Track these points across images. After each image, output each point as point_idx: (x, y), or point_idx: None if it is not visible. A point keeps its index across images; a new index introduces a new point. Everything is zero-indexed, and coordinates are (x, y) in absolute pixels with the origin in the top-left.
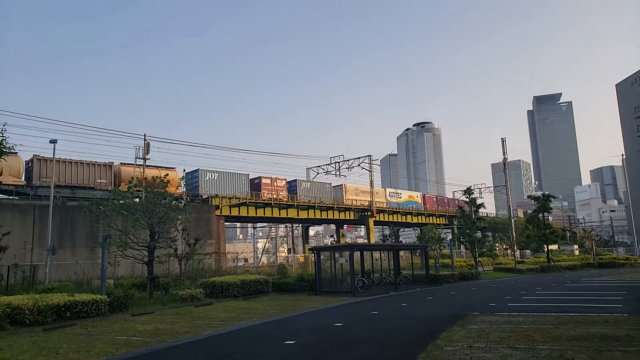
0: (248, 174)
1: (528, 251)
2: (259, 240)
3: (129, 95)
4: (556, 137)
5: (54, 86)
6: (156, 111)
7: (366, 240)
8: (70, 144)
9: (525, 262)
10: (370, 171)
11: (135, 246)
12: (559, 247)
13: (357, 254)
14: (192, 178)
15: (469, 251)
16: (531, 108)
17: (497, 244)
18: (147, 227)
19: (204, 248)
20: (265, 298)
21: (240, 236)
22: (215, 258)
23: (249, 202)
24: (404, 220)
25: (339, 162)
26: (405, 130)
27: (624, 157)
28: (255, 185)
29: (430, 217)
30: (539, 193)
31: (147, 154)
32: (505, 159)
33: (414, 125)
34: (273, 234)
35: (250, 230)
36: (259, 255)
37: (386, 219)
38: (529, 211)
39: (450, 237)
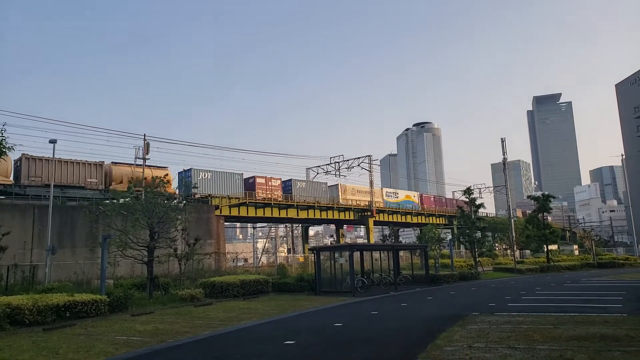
0: (242, 174)
1: (528, 251)
2: (259, 240)
3: (129, 95)
4: (556, 137)
5: (53, 86)
6: (156, 111)
7: (366, 240)
8: (70, 144)
9: (524, 262)
10: (370, 171)
11: (135, 246)
12: (558, 247)
13: (356, 254)
14: (185, 177)
15: (468, 251)
16: (531, 108)
17: (496, 244)
18: (146, 227)
19: (204, 248)
20: (265, 298)
21: (240, 236)
22: (215, 258)
23: (249, 202)
24: (403, 220)
25: (338, 162)
26: (405, 130)
27: (624, 157)
28: (250, 184)
29: (430, 217)
30: (539, 193)
31: (147, 154)
32: (505, 159)
33: (414, 125)
34: (273, 234)
35: (250, 230)
36: (259, 255)
37: (386, 219)
38: (528, 211)
39: (450, 237)
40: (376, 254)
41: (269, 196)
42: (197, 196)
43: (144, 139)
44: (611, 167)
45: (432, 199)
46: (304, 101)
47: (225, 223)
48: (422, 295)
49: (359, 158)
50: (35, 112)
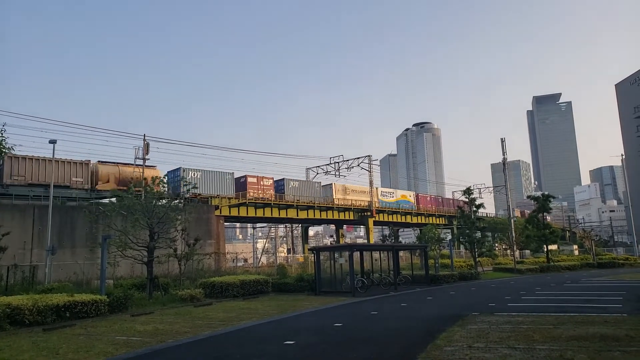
0: (233, 173)
1: (527, 251)
2: (259, 240)
3: (129, 95)
4: (556, 137)
5: (54, 86)
6: (156, 111)
7: (366, 241)
8: (70, 144)
9: (524, 262)
10: (369, 171)
11: (134, 246)
12: (558, 247)
13: (356, 254)
14: (174, 177)
15: (468, 251)
16: (531, 108)
17: (496, 244)
18: (146, 227)
19: (204, 248)
20: (265, 298)
21: (240, 236)
22: (214, 258)
23: (249, 202)
24: (403, 220)
25: (338, 163)
26: (405, 130)
27: (624, 157)
28: (241, 184)
29: (430, 217)
30: (539, 193)
31: (147, 154)
32: (504, 159)
33: (414, 125)
34: (272, 234)
35: (249, 231)
36: (259, 256)
37: (386, 219)
38: (527, 211)
39: (449, 237)
40: (376, 254)
41: (261, 195)
42: (187, 195)
43: (144, 139)
44: (611, 167)
45: (428, 198)
46: (304, 101)
47: (225, 223)
48: (422, 295)
49: (358, 158)
50: (35, 112)
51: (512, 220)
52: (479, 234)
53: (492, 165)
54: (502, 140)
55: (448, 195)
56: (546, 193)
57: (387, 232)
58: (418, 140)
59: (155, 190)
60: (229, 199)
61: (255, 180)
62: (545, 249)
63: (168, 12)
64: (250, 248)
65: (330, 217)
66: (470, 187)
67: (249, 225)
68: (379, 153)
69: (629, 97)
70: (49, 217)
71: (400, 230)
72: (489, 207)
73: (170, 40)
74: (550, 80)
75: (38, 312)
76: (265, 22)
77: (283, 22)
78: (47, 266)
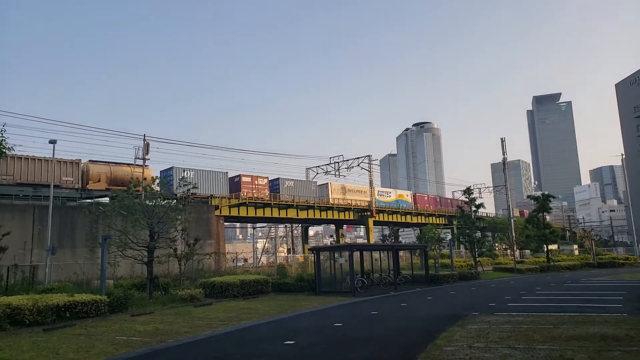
0: (227, 172)
1: (528, 251)
2: (259, 240)
3: (129, 95)
4: (556, 137)
5: (54, 86)
6: (156, 111)
7: (366, 240)
8: (70, 144)
9: (524, 262)
10: (369, 171)
11: (134, 246)
12: (558, 247)
13: (356, 254)
14: (166, 176)
15: (468, 251)
16: (531, 108)
17: (496, 244)
18: (146, 227)
19: (204, 248)
20: (265, 298)
21: (240, 236)
22: (214, 258)
23: (249, 202)
24: (403, 220)
25: (338, 162)
26: (405, 130)
27: (624, 156)
28: (235, 183)
29: (430, 217)
30: (539, 193)
31: (147, 154)
32: (504, 159)
33: (414, 125)
34: (272, 234)
35: (249, 231)
36: (259, 256)
37: (386, 219)
38: (527, 211)
39: (449, 237)
40: (376, 254)
41: (255, 195)
42: (178, 195)
43: (144, 139)
44: (611, 167)
45: (426, 198)
46: (304, 101)
47: (225, 223)
48: (422, 295)
49: (358, 158)
50: (35, 112)
51: (512, 220)
52: (479, 234)
53: (492, 165)
54: (502, 140)
55: (448, 195)
56: (546, 193)
57: (387, 232)
58: (418, 140)
59: (153, 190)
60: (228, 198)
61: (249, 179)
62: (545, 249)
63: (168, 12)
64: (250, 248)
65: (330, 217)
66: (470, 186)
67: (249, 225)
68: (379, 153)
69: (629, 97)
70: (49, 217)
71: (400, 230)
72: (489, 207)
73: (170, 41)
74: (550, 80)
75: (38, 312)
76: (265, 22)
77: (283, 22)
78: (47, 266)
